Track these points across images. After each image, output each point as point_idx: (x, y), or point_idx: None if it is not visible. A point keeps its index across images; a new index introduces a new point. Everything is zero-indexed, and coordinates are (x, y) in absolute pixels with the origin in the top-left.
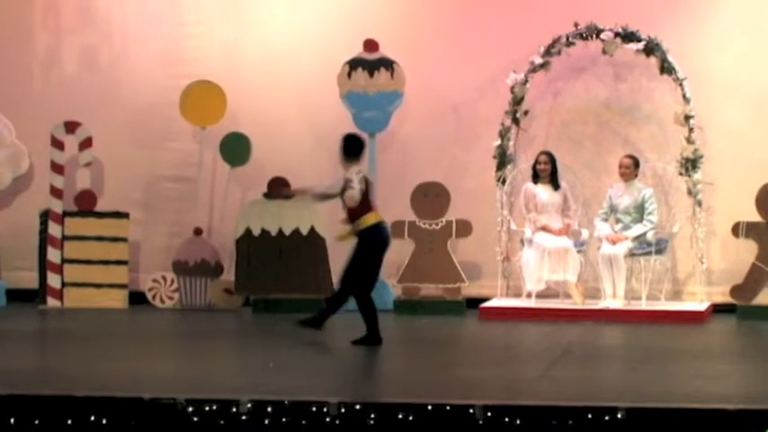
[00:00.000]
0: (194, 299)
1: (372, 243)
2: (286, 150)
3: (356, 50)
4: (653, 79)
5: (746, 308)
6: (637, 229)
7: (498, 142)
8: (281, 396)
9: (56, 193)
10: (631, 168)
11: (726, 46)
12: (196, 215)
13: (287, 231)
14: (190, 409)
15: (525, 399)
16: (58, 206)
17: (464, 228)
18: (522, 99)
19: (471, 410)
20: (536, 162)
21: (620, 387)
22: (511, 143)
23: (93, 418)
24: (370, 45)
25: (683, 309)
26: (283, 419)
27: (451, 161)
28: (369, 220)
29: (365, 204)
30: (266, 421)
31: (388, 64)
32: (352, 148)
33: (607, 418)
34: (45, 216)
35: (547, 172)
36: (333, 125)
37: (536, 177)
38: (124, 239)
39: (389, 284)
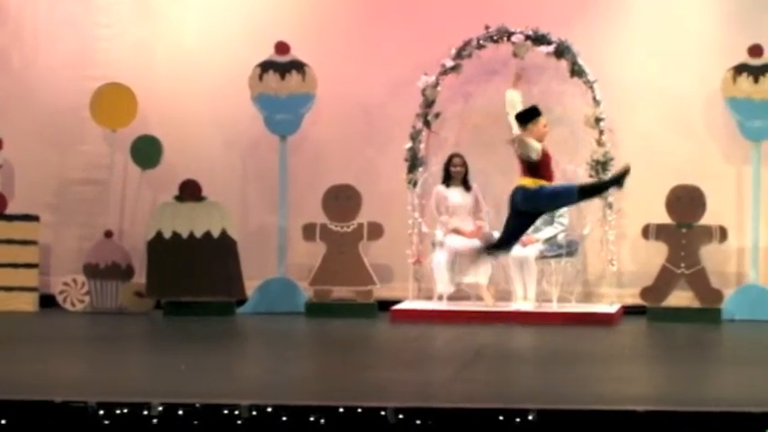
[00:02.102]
0: (105, 302)
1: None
2: (197, 153)
3: (267, 53)
4: (563, 82)
5: (656, 310)
6: (547, 232)
7: (410, 145)
8: (192, 399)
9: None
10: None
11: (636, 49)
12: (107, 218)
13: (198, 234)
14: (101, 412)
15: (437, 401)
16: None
17: (375, 230)
18: (433, 102)
19: (383, 413)
20: (450, 164)
21: (531, 389)
22: (422, 146)
23: (3, 422)
24: (282, 47)
25: (593, 311)
26: (195, 422)
27: (363, 163)
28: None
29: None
30: (177, 424)
31: (299, 66)
32: (521, 116)
33: (518, 420)
34: None
35: (461, 174)
36: (244, 127)
37: (447, 180)
38: (34, 242)
39: (301, 287)
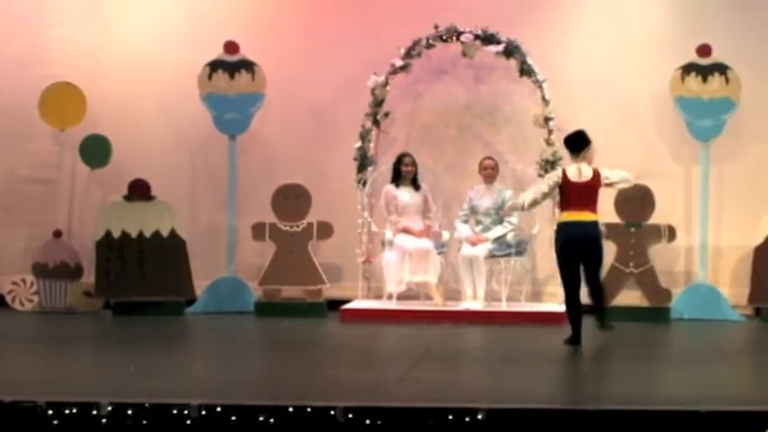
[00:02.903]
0: (54, 301)
1: (555, 242)
2: (147, 152)
3: (217, 52)
4: (513, 81)
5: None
6: (497, 231)
7: (359, 144)
8: (141, 399)
9: None
10: (496, 170)
11: (585, 49)
12: (56, 217)
13: (147, 233)
14: (50, 412)
15: (386, 400)
16: None
17: (325, 230)
18: (382, 101)
19: (332, 412)
20: (400, 164)
21: (480, 388)
22: (371, 145)
23: None
24: (231, 47)
25: (542, 310)
26: (144, 422)
27: (312, 163)
28: (560, 218)
29: (561, 202)
30: (127, 424)
31: (248, 66)
32: (569, 143)
33: (467, 419)
34: None
35: (412, 174)
36: (193, 127)
37: (397, 179)
38: None
39: (250, 286)
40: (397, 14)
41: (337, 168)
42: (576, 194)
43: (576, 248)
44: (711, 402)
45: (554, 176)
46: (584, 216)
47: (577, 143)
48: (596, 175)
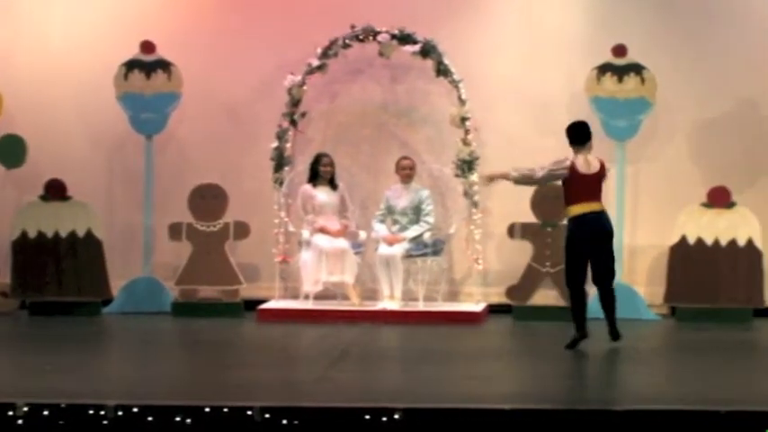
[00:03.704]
0: None
1: (568, 234)
2: (62, 152)
3: (133, 52)
4: (429, 81)
5: (522, 308)
6: (413, 231)
7: (276, 144)
8: (57, 399)
9: None
10: (414, 170)
11: (501, 49)
12: None
13: (63, 234)
14: None
15: (303, 400)
16: None
17: (242, 229)
18: (299, 101)
19: (249, 412)
20: (318, 164)
21: (397, 388)
22: (288, 145)
23: None
24: (147, 46)
25: (459, 309)
26: (60, 422)
27: (229, 163)
28: (571, 211)
29: (570, 194)
30: (43, 424)
31: (165, 65)
32: (570, 133)
33: (384, 419)
34: None
35: (330, 174)
36: (110, 127)
37: (314, 179)
38: None
39: (167, 286)
40: (313, 14)
41: (254, 168)
42: (586, 186)
43: (594, 242)
44: (624, 402)
45: (564, 165)
46: (596, 207)
47: (583, 134)
48: (602, 165)
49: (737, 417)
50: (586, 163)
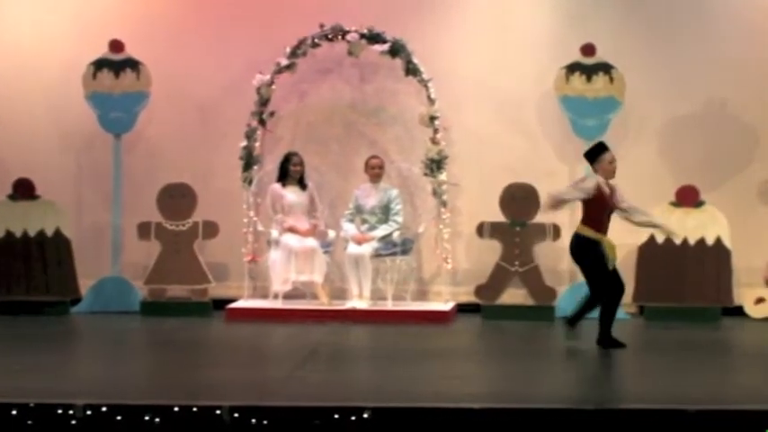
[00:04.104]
0: None
1: (600, 255)
2: (31, 151)
3: (101, 51)
4: (398, 81)
5: (490, 307)
6: (382, 230)
7: (245, 143)
8: (26, 399)
9: None
10: (383, 169)
11: (470, 48)
12: None
13: (32, 233)
14: None
15: (272, 400)
16: None
17: (211, 229)
18: (268, 100)
19: (218, 411)
20: (288, 163)
21: (366, 387)
22: (257, 144)
23: None
24: (116, 45)
25: (428, 309)
26: (29, 422)
27: (198, 162)
28: (595, 235)
29: (592, 217)
30: (11, 424)
31: (133, 64)
32: (588, 154)
33: (353, 418)
34: None
35: (300, 173)
36: (78, 126)
37: (283, 178)
38: None
39: (135, 286)
40: (282, 13)
41: (223, 167)
42: (606, 212)
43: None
44: (592, 401)
45: (592, 186)
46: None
47: (590, 155)
48: (613, 191)
49: (706, 416)
50: (608, 186)
